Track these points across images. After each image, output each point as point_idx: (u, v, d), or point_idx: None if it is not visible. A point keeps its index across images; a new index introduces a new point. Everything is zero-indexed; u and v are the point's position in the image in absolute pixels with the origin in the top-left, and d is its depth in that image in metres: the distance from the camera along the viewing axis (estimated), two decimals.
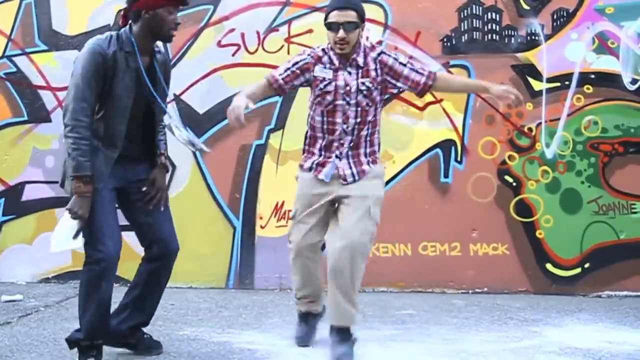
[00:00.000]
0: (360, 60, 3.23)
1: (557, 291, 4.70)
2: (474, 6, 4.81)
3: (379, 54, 3.26)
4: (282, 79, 3.30)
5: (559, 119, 4.74)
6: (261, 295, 4.76)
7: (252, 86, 3.38)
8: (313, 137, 3.33)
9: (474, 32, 4.81)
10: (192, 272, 4.93)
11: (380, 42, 4.84)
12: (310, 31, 4.91)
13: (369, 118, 3.25)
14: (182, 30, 5.01)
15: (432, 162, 4.83)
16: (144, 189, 3.12)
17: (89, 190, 2.89)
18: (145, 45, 3.04)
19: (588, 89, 4.69)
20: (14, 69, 5.21)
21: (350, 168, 3.25)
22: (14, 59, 5.21)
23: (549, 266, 4.75)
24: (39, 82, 5.18)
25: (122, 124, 3.00)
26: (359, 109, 3.22)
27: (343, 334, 3.17)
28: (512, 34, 4.78)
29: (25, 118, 5.21)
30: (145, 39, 3.02)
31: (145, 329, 3.31)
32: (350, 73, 3.22)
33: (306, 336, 3.49)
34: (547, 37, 4.75)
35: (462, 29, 4.82)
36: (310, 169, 3.31)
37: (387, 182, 4.80)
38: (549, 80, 4.74)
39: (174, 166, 4.92)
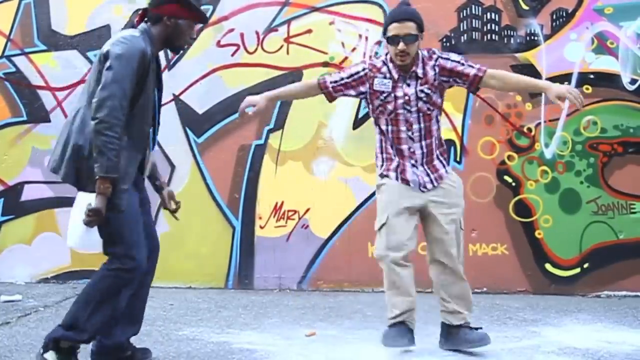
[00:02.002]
0: (420, 71, 3.25)
1: (556, 291, 4.70)
2: (473, 6, 4.81)
3: (436, 60, 3.27)
4: (333, 86, 3.34)
5: (558, 119, 4.74)
6: (260, 295, 4.76)
7: (294, 85, 3.50)
8: (384, 145, 3.35)
9: (473, 32, 4.81)
10: (191, 272, 4.93)
11: (379, 43, 4.84)
12: (309, 31, 4.91)
13: (433, 120, 3.29)
14: None
15: None
16: (172, 208, 3.20)
17: (111, 190, 2.79)
18: (159, 48, 3.01)
19: (587, 89, 4.70)
20: (13, 69, 5.21)
21: (428, 175, 3.28)
22: (13, 59, 5.21)
23: (548, 266, 4.75)
24: (38, 82, 5.18)
25: (147, 125, 2.97)
26: (421, 114, 3.25)
27: (467, 328, 3.33)
28: (511, 34, 4.78)
29: (25, 118, 5.21)
30: (159, 43, 2.99)
31: (144, 329, 3.30)
32: (409, 85, 3.25)
33: (398, 342, 3.28)
34: (546, 38, 4.75)
35: (462, 29, 4.83)
36: (395, 177, 3.31)
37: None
38: (548, 80, 4.73)
39: (173, 166, 4.92)
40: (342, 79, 3.33)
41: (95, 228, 2.82)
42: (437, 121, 3.35)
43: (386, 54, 3.31)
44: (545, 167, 4.75)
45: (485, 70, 3.25)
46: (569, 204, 4.72)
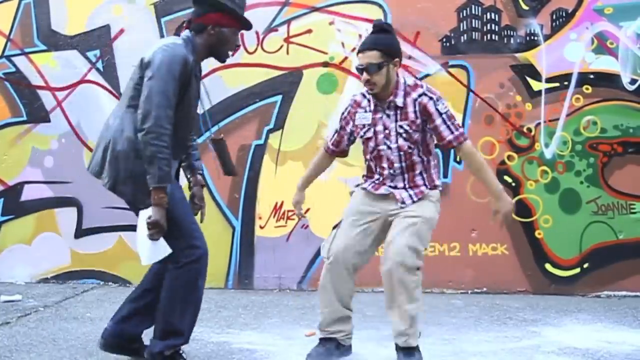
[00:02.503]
0: (399, 100, 3.11)
1: (556, 291, 4.70)
2: (473, 6, 4.81)
3: (420, 95, 3.10)
4: (332, 142, 3.37)
5: (558, 119, 4.74)
6: (260, 295, 4.76)
7: (312, 164, 3.53)
8: (369, 168, 3.29)
9: (473, 32, 4.81)
10: None
11: None
12: (309, 31, 4.91)
13: (415, 157, 3.14)
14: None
15: None
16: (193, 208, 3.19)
17: (167, 200, 2.80)
18: (202, 57, 3.02)
19: (587, 89, 4.70)
20: (13, 69, 5.21)
21: (407, 191, 3.15)
22: (13, 59, 5.21)
23: (548, 266, 4.75)
24: (38, 82, 5.18)
25: (188, 132, 3.00)
26: (402, 153, 3.13)
27: (407, 351, 3.05)
28: (511, 34, 4.78)
29: (24, 118, 5.21)
30: (203, 52, 2.99)
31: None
32: (389, 115, 3.14)
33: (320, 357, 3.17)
34: (546, 37, 4.75)
35: (461, 29, 4.83)
36: (365, 187, 3.25)
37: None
38: (548, 80, 4.74)
39: None
40: (336, 130, 3.33)
41: (160, 243, 2.85)
42: (428, 151, 3.19)
43: None
44: (545, 167, 4.75)
45: (461, 142, 3.08)
46: (569, 204, 4.72)
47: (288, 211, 4.95)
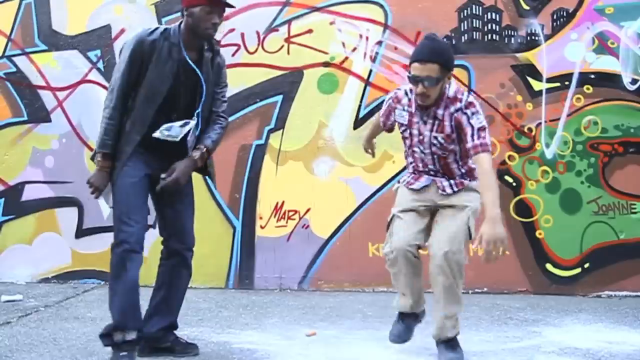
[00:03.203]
0: (440, 112, 3.10)
1: (556, 291, 4.70)
2: (473, 6, 4.81)
3: (456, 110, 3.07)
4: (382, 122, 3.44)
5: (558, 119, 4.74)
6: (261, 295, 4.76)
7: (372, 125, 3.68)
8: (409, 163, 3.33)
9: (474, 32, 4.81)
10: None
11: (379, 43, 4.84)
12: (310, 31, 4.91)
13: (450, 160, 3.17)
14: None
15: None
16: (162, 176, 3.13)
17: (107, 165, 3.08)
18: (190, 41, 3.13)
19: (588, 89, 4.70)
20: (14, 69, 5.21)
21: (448, 180, 3.18)
22: (14, 58, 5.22)
23: (548, 266, 4.75)
24: (39, 82, 5.18)
25: (150, 109, 3.08)
26: (435, 156, 3.18)
27: (448, 343, 3.15)
28: (512, 34, 4.78)
29: (25, 118, 5.21)
30: (187, 35, 3.12)
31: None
32: (425, 122, 3.14)
33: (403, 335, 3.33)
34: (547, 37, 4.75)
35: (462, 29, 4.82)
36: (405, 181, 3.30)
37: (387, 182, 4.82)
38: (549, 80, 4.74)
39: None
40: (383, 115, 3.41)
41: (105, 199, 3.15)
42: (460, 157, 3.18)
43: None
44: (545, 167, 4.75)
45: (479, 151, 3.01)
46: (569, 204, 4.72)
47: (289, 211, 4.95)
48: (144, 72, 3.05)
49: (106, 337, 3.09)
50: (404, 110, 3.20)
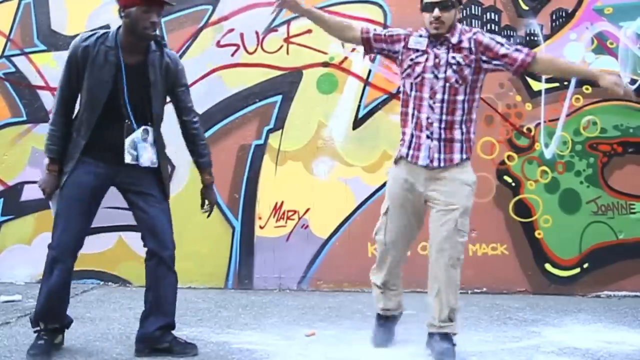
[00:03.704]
0: (454, 39, 3.15)
1: (556, 291, 4.70)
2: (472, 6, 4.81)
3: (474, 33, 3.17)
4: (375, 35, 3.28)
5: (558, 119, 4.74)
6: (260, 295, 4.76)
7: (334, 17, 3.45)
8: (404, 114, 3.27)
9: None
10: (191, 272, 4.92)
11: None
12: (309, 31, 4.91)
13: (459, 97, 3.14)
14: (181, 31, 5.04)
15: None
16: (202, 210, 3.46)
17: (54, 169, 3.20)
18: (130, 43, 3.13)
19: (587, 89, 4.70)
20: (13, 69, 5.21)
21: (440, 153, 3.17)
22: (13, 59, 5.21)
23: (548, 266, 4.75)
24: (38, 82, 5.18)
25: (93, 113, 3.12)
26: (448, 84, 3.12)
27: (443, 335, 3.21)
28: (511, 34, 4.78)
29: (24, 118, 5.20)
30: (127, 37, 3.12)
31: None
32: (439, 48, 3.16)
33: (385, 340, 3.44)
34: (546, 38, 4.75)
35: None
36: (403, 156, 3.25)
37: (386, 183, 4.80)
38: (548, 80, 4.74)
39: (173, 166, 4.92)
40: (384, 32, 3.29)
41: (53, 204, 3.25)
42: (471, 108, 3.19)
43: (422, 29, 3.25)
44: (545, 167, 4.75)
45: (534, 55, 3.13)
46: (568, 204, 4.72)
47: (288, 211, 4.95)
48: (82, 78, 3.11)
49: (33, 322, 3.26)
50: (421, 37, 3.20)
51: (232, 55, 4.97)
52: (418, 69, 3.17)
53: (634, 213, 4.68)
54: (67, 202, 3.17)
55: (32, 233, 5.18)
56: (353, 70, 4.89)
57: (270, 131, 4.97)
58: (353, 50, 4.87)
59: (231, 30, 4.98)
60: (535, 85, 4.75)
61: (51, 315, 3.23)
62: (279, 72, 4.94)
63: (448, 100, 3.14)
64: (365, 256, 4.81)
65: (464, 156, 3.22)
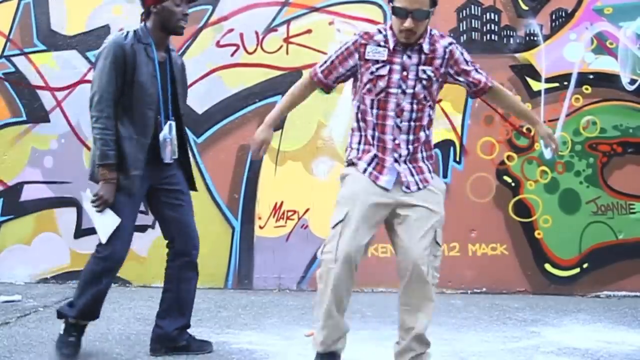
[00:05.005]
0: (426, 46, 2.77)
1: (555, 291, 4.71)
2: (472, 6, 4.81)
3: (449, 44, 2.82)
4: (322, 71, 2.90)
5: (557, 119, 4.74)
6: (260, 295, 4.76)
7: (287, 94, 2.99)
8: (363, 134, 2.87)
9: (473, 33, 4.81)
10: None
11: None
12: (309, 31, 4.91)
13: (426, 114, 2.82)
14: None
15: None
16: (174, 188, 3.25)
17: (114, 177, 3.03)
18: (160, 39, 3.15)
19: (587, 89, 4.70)
20: (13, 69, 5.20)
21: (413, 175, 2.81)
22: (13, 59, 5.20)
23: (547, 266, 4.75)
24: (38, 82, 5.18)
25: (150, 110, 3.09)
26: (415, 101, 2.77)
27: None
28: (511, 34, 4.79)
29: (24, 118, 5.20)
30: (158, 33, 3.14)
31: (144, 329, 3.33)
32: (410, 57, 2.77)
33: None
34: (546, 38, 4.75)
35: (461, 29, 4.83)
36: (365, 170, 2.82)
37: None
38: (548, 80, 4.75)
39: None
40: (328, 61, 2.88)
41: (108, 214, 3.05)
42: (429, 119, 2.86)
43: (386, 24, 2.86)
44: (544, 167, 4.75)
45: (492, 82, 2.91)
46: (568, 204, 4.72)
47: (288, 211, 4.95)
48: (131, 77, 3.03)
49: (62, 315, 3.22)
50: (379, 46, 2.78)
51: (232, 55, 4.97)
52: (381, 84, 2.77)
53: (633, 213, 4.69)
54: (129, 211, 3.11)
55: (32, 233, 5.17)
56: None
57: None
58: None
59: (231, 30, 4.98)
60: (535, 85, 4.76)
61: (92, 314, 3.23)
62: (278, 72, 4.94)
63: (415, 118, 2.80)
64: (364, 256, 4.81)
65: (432, 174, 2.89)
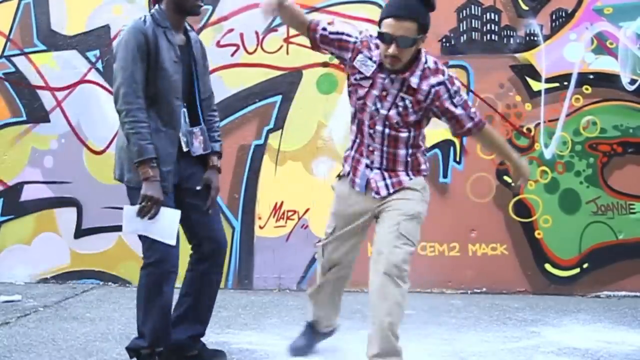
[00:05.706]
0: (414, 80, 2.74)
1: (555, 291, 4.71)
2: (472, 6, 4.81)
3: (439, 83, 2.76)
4: (321, 35, 2.88)
5: (557, 119, 4.74)
6: (260, 295, 4.76)
7: (299, 10, 2.99)
8: (352, 139, 2.97)
9: (473, 33, 4.81)
10: None
11: None
12: None
13: (403, 135, 2.80)
14: None
15: (431, 162, 4.83)
16: (197, 188, 2.98)
17: (157, 173, 2.76)
18: (176, 22, 2.95)
19: (587, 89, 4.70)
20: (13, 69, 5.20)
21: (384, 179, 2.84)
22: (13, 59, 5.21)
23: (547, 266, 4.75)
24: (38, 82, 5.18)
25: (177, 99, 2.88)
26: (387, 123, 2.79)
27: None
28: (511, 34, 4.78)
29: (24, 118, 5.20)
30: (174, 16, 2.92)
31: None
32: (393, 81, 2.76)
33: (304, 349, 3.27)
34: (546, 38, 4.75)
35: (461, 30, 4.83)
36: (348, 173, 2.95)
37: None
38: (548, 80, 4.74)
39: None
40: (333, 33, 2.87)
41: (163, 213, 2.77)
42: (417, 144, 2.87)
43: None
44: (544, 168, 4.75)
45: (481, 127, 2.86)
46: (568, 204, 4.72)
47: (288, 211, 4.95)
48: (155, 63, 2.80)
49: (133, 351, 2.95)
50: (370, 60, 2.78)
51: (232, 55, 4.96)
52: (361, 92, 2.81)
53: (633, 213, 4.68)
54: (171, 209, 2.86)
55: (32, 233, 5.17)
56: None
57: (270, 131, 4.97)
58: None
59: (231, 30, 4.98)
60: (535, 86, 4.75)
61: (165, 335, 2.89)
62: (278, 72, 4.94)
63: (389, 134, 2.80)
64: (364, 256, 4.78)
65: (411, 174, 2.89)
